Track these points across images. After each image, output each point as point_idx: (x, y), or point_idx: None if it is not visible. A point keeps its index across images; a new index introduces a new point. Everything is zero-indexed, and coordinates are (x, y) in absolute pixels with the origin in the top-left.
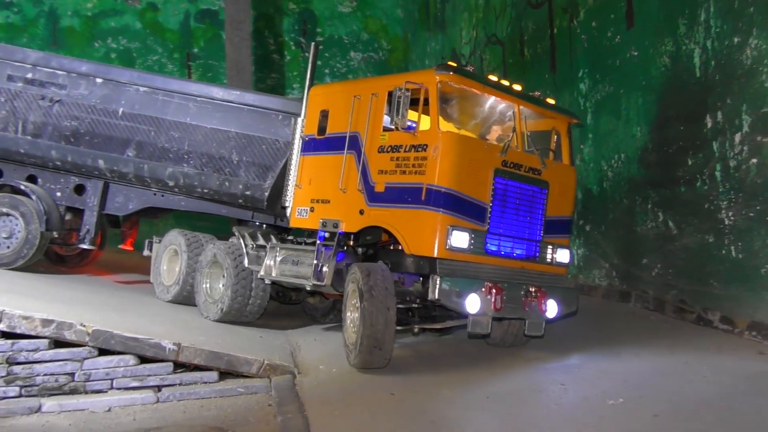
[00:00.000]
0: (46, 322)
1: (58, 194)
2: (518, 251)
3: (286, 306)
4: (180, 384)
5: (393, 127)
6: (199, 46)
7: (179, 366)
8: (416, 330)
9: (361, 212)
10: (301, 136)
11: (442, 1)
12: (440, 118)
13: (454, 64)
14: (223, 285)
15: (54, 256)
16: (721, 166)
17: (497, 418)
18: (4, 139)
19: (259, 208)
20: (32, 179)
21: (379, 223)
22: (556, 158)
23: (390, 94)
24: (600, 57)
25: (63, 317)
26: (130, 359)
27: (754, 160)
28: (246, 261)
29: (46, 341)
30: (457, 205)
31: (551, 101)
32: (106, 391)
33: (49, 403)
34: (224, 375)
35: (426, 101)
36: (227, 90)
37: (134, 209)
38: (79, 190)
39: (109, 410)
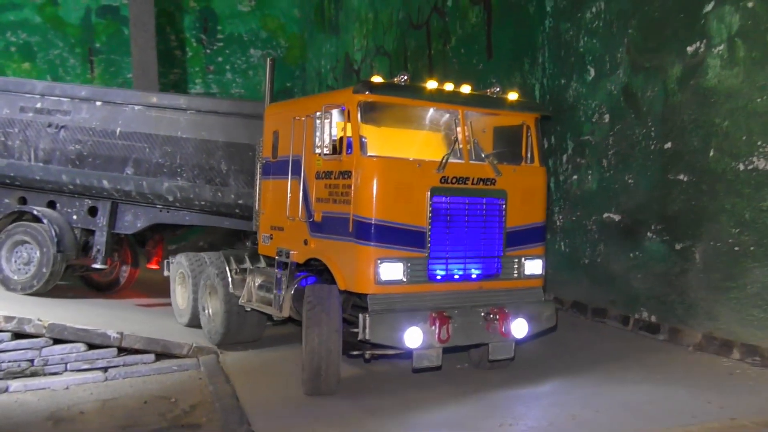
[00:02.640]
0: (8, 318)
1: (74, 217)
2: (475, 271)
3: None
4: (124, 365)
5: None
6: (101, 41)
7: (122, 350)
8: (368, 356)
9: (305, 242)
10: (258, 159)
11: (336, 8)
12: (368, 139)
13: (378, 81)
14: (220, 308)
15: (93, 283)
16: (554, 180)
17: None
18: (20, 167)
19: None
20: (52, 204)
21: (318, 256)
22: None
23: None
24: (467, 81)
25: (23, 314)
26: (81, 346)
27: (575, 177)
28: (231, 286)
29: (8, 334)
30: (385, 235)
31: (513, 95)
32: (61, 373)
33: (15, 384)
34: (160, 356)
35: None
36: (214, 100)
37: (142, 227)
38: (93, 211)
39: (67, 388)
